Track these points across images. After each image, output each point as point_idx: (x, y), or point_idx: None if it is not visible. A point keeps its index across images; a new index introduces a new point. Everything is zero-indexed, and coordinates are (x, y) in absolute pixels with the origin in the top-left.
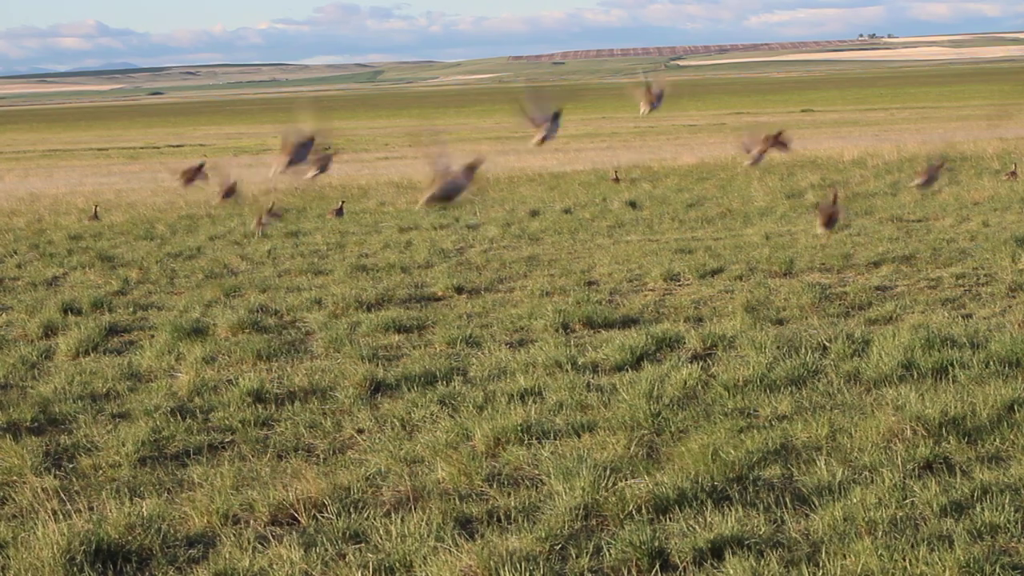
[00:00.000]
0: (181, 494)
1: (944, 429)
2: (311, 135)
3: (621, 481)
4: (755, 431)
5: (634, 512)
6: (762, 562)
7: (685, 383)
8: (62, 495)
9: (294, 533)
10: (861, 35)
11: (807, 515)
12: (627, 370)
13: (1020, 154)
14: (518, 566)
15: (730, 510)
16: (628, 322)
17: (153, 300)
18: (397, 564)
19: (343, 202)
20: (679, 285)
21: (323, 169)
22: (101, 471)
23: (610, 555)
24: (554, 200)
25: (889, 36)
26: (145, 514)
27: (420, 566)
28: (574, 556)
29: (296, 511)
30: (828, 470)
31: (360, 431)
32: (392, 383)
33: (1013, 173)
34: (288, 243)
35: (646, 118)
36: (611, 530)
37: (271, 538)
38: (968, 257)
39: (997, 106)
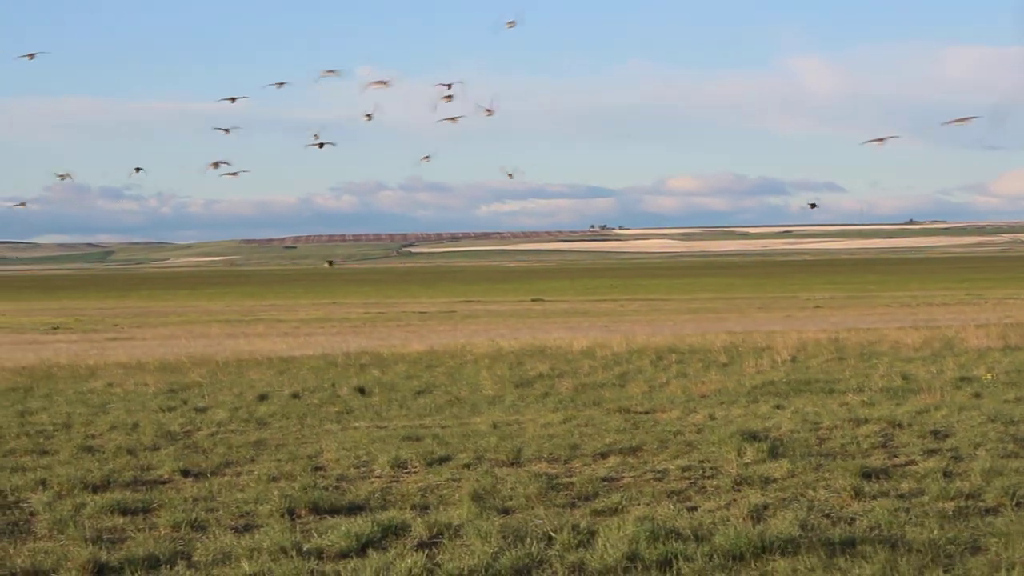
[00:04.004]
0: None
1: None
2: None
3: None
4: None
5: None
6: None
7: (410, 571)
8: None
9: None
10: (592, 226)
11: None
12: (352, 557)
13: (748, 347)
14: None
15: None
16: (354, 508)
17: None
18: None
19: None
20: (406, 472)
21: None
22: None
23: None
24: (283, 384)
25: (620, 228)
26: None
27: None
28: None
29: None
30: None
31: None
32: (116, 566)
33: None
34: (14, 422)
35: (375, 304)
36: None
37: None
38: (694, 449)
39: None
